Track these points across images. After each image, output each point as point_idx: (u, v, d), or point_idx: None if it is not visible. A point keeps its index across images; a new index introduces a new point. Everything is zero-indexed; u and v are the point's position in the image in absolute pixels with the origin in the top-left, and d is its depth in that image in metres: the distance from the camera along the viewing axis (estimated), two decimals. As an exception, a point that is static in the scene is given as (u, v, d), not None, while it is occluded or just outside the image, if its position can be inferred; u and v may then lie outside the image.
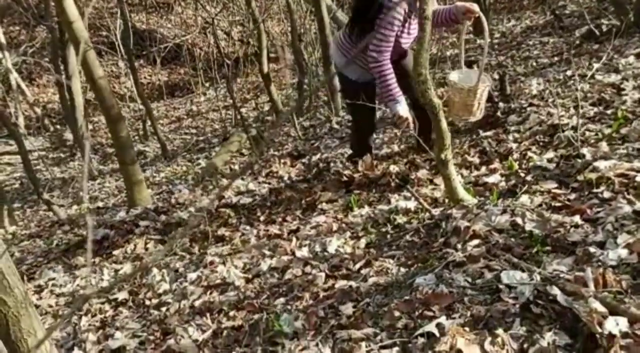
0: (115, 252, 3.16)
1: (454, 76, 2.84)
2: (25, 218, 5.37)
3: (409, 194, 2.64)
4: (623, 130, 2.39)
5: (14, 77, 7.44)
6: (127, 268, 2.90)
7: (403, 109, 2.73)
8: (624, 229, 1.55)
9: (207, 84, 9.66)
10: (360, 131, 3.28)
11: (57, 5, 3.63)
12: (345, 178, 3.18)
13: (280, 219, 2.99)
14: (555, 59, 4.67)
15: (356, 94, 2.91)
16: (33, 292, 2.89)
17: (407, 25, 2.70)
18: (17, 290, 1.07)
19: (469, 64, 5.14)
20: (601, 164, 2.05)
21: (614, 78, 3.16)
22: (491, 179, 2.44)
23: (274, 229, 2.83)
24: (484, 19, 2.62)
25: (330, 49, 3.18)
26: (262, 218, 3.14)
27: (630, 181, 1.89)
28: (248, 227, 3.02)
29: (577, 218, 1.73)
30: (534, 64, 4.86)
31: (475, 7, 2.67)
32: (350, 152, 3.52)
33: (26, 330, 1.16)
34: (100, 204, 5.05)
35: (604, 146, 2.29)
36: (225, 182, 4.36)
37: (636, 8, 4.80)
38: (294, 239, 2.59)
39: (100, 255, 3.21)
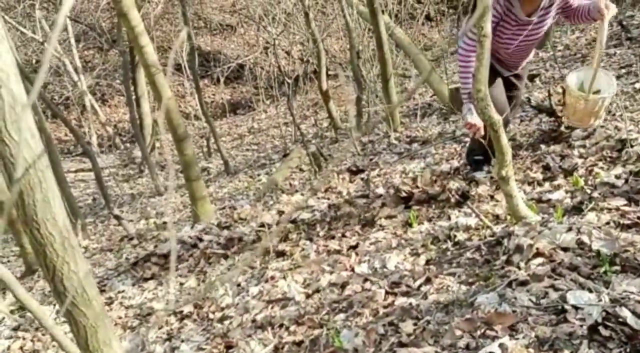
0: (180, 266, 3.28)
1: (571, 81, 2.65)
2: (97, 233, 5.64)
3: (469, 210, 2.61)
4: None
5: (88, 98, 7.89)
6: (191, 282, 3.01)
7: (473, 115, 2.56)
8: (698, 249, 1.48)
9: (268, 102, 9.90)
10: None
11: (129, 31, 3.85)
12: (404, 194, 3.18)
13: (339, 235, 3.02)
14: (623, 71, 4.50)
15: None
16: (104, 304, 3.04)
17: (505, 27, 2.57)
18: (95, 302, 1.15)
19: (532, 78, 5.03)
20: (674, 181, 1.96)
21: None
22: (555, 196, 2.37)
23: (333, 245, 2.86)
24: (607, 19, 2.41)
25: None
26: (321, 233, 3.18)
27: None
28: (308, 242, 3.07)
29: (648, 237, 1.67)
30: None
31: (609, 6, 2.43)
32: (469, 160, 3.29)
33: (102, 341, 1.24)
34: (167, 219, 5.25)
35: (677, 162, 2.19)
36: (285, 197, 4.44)
37: None
38: (354, 255, 2.61)
39: (166, 269, 3.34)
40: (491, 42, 2.60)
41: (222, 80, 8.98)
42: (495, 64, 2.74)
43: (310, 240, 3.11)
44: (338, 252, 2.79)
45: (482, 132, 2.60)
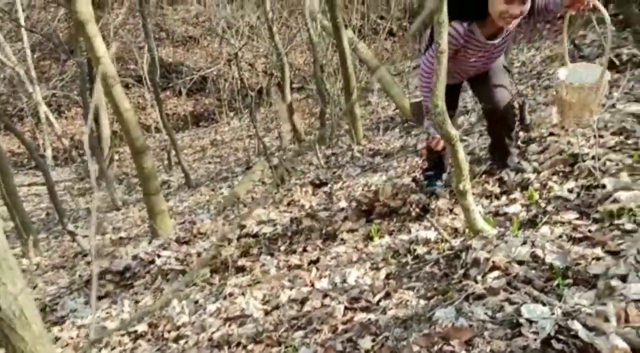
0: (136, 283, 3.19)
1: (563, 74, 2.61)
2: (50, 249, 5.46)
3: (429, 224, 2.63)
4: (647, 159, 2.36)
5: (43, 110, 7.67)
6: (147, 299, 2.93)
7: (431, 129, 2.50)
8: (646, 262, 1.52)
9: (231, 114, 9.83)
10: None
11: (87, 42, 3.77)
12: (365, 208, 3.18)
13: (300, 249, 3.00)
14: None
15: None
16: (54, 323, 2.93)
17: (469, 51, 2.57)
18: (34, 325, 1.09)
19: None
20: (622, 195, 2.01)
21: (634, 107, 3.12)
22: (511, 209, 2.41)
23: (294, 259, 2.83)
24: (601, 5, 2.34)
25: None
26: (282, 248, 3.15)
27: (653, 212, 1.86)
28: (269, 257, 3.03)
29: (598, 251, 1.70)
30: (554, 93, 4.82)
31: None
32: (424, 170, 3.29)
33: (44, 365, 1.17)
34: (123, 235, 5.12)
35: (624, 176, 2.25)
36: (246, 210, 4.39)
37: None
38: (314, 270, 2.59)
39: (122, 286, 3.24)
40: (456, 64, 2.65)
41: (184, 92, 8.88)
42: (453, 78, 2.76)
43: (272, 255, 3.08)
44: (299, 266, 2.76)
45: (440, 146, 2.60)
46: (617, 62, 4.50)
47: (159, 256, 3.53)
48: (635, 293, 1.39)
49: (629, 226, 1.83)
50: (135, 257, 3.57)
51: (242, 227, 3.84)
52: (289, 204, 4.12)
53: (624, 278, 1.49)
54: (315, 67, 6.34)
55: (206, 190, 6.41)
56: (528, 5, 2.32)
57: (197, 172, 7.73)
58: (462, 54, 2.57)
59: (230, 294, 2.58)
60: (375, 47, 9.48)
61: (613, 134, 2.82)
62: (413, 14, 10.87)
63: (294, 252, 2.99)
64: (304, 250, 2.97)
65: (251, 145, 8.11)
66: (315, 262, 2.72)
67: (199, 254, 3.48)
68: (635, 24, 5.03)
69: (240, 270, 3.00)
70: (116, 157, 8.47)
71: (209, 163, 8.21)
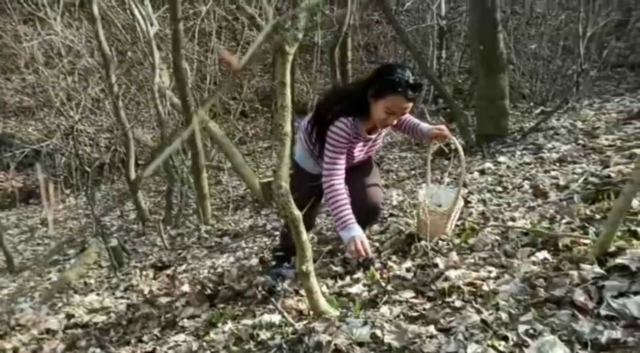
0: None
1: (422, 195, 2.85)
2: None
3: (274, 307, 2.57)
4: (471, 241, 2.57)
5: None
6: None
7: (350, 236, 2.41)
8: (473, 338, 1.60)
9: (67, 191, 9.11)
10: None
11: None
12: (209, 291, 3.04)
13: (134, 340, 2.75)
14: (412, 172, 5.05)
15: (303, 185, 2.71)
16: None
17: (355, 146, 2.67)
18: None
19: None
20: (452, 273, 2.15)
21: (462, 192, 3.44)
22: (354, 289, 2.45)
23: (126, 352, 2.57)
24: (456, 141, 2.70)
25: (297, 137, 3.00)
26: (115, 339, 2.86)
27: (478, 289, 1.99)
28: (98, 350, 2.73)
29: (432, 329, 1.77)
30: (394, 176, 5.20)
31: (445, 130, 2.73)
32: (274, 254, 3.24)
33: None
34: None
35: (454, 256, 2.43)
36: (77, 298, 3.96)
37: (476, 132, 5.43)
38: (149, 362, 2.37)
39: None
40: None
41: (12, 166, 8.08)
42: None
43: (102, 347, 2.78)
44: (132, 359, 2.51)
45: (366, 255, 2.43)
46: (447, 151, 5.01)
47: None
48: (465, 370, 1.45)
49: (458, 303, 1.94)
50: None
51: (70, 316, 3.46)
52: (126, 289, 3.82)
53: (454, 356, 1.55)
54: (163, 143, 6.18)
55: (32, 275, 5.73)
56: (405, 116, 2.63)
57: (22, 254, 6.92)
58: (349, 151, 2.66)
59: (48, 396, 2.25)
60: (227, 126, 9.58)
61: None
62: (265, 96, 11.27)
63: (128, 343, 2.73)
64: (139, 340, 2.72)
65: (89, 225, 7.52)
66: (150, 353, 2.50)
67: (15, 350, 3.02)
68: (459, 118, 5.70)
69: (64, 366, 2.65)
70: None
71: (38, 244, 7.41)
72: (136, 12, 5.41)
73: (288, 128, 2.02)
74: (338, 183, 2.48)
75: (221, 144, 6.58)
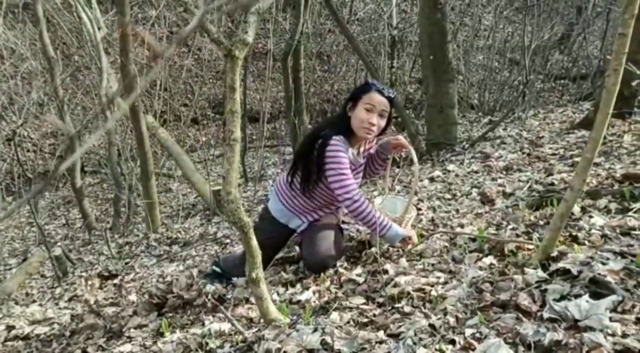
0: None
1: (378, 202, 2.93)
2: None
3: (223, 315, 2.52)
4: (420, 247, 2.60)
5: None
6: None
7: (401, 230, 2.64)
8: (421, 343, 1.61)
9: (9, 199, 8.73)
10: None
11: None
12: (157, 300, 2.96)
13: (79, 351, 2.64)
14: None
15: (273, 231, 2.92)
16: None
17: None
18: None
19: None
20: (402, 279, 2.17)
21: (413, 199, 3.49)
22: (304, 296, 2.44)
23: (69, 364, 2.47)
24: (413, 150, 2.80)
25: (270, 196, 3.05)
26: (57, 350, 2.75)
27: (427, 295, 2.01)
28: (38, 363, 2.61)
29: (381, 334, 1.77)
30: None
31: (403, 140, 2.84)
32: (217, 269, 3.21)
33: None
34: None
35: (403, 262, 2.45)
36: (18, 309, 3.79)
37: (426, 140, 5.54)
38: (92, 375, 2.28)
39: None
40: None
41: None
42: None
43: (42, 360, 2.66)
44: (75, 372, 2.41)
45: (415, 240, 2.64)
46: (397, 159, 5.07)
47: None
48: (413, 375, 1.45)
49: (407, 309, 1.95)
50: None
51: (11, 328, 3.30)
52: (70, 300, 3.68)
53: (403, 361, 1.56)
54: (110, 150, 6.02)
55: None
56: (383, 123, 2.70)
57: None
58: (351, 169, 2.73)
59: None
60: (178, 133, 9.42)
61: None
62: (217, 103, 11.15)
63: (71, 354, 2.62)
64: (84, 351, 2.62)
65: (32, 234, 7.23)
66: (95, 365, 2.41)
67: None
68: (410, 126, 5.79)
69: (1, 381, 2.52)
70: None
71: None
72: (83, 15, 5.26)
73: (238, 134, 2.00)
74: (358, 197, 2.59)
75: (171, 150, 6.47)
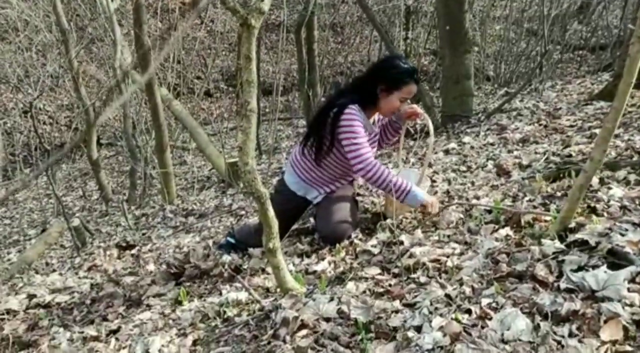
0: None
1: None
2: None
3: (240, 285, 2.56)
4: (435, 218, 2.60)
5: None
6: None
7: (423, 194, 2.62)
8: (437, 312, 1.63)
9: (27, 171, 8.85)
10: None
11: None
12: (175, 270, 3.01)
13: (99, 318, 2.70)
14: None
15: (288, 203, 2.93)
16: None
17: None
18: None
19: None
20: (417, 250, 2.18)
21: (428, 171, 3.48)
22: (320, 267, 2.46)
23: (90, 331, 2.52)
24: (428, 118, 2.82)
25: (285, 168, 3.07)
26: (78, 318, 2.81)
27: (442, 265, 2.02)
28: (61, 330, 2.66)
29: (397, 304, 1.79)
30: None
31: (418, 108, 2.84)
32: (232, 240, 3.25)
33: None
34: None
35: (419, 233, 2.46)
36: (39, 278, 3.87)
37: (442, 112, 5.48)
38: (113, 340, 2.33)
39: None
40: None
41: (-33, 144, 7.79)
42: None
43: (65, 326, 2.72)
44: (96, 338, 2.46)
45: (437, 208, 2.64)
46: (412, 131, 5.04)
47: None
48: (428, 343, 1.47)
49: (422, 279, 1.96)
50: None
51: (32, 296, 3.37)
52: (89, 269, 3.75)
53: (418, 329, 1.58)
54: (125, 123, 6.05)
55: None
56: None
57: (-20, 235, 6.72)
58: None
59: (8, 377, 2.20)
60: (191, 106, 9.42)
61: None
62: (230, 76, 11.11)
63: (92, 322, 2.68)
64: (104, 319, 2.68)
65: (50, 205, 7.33)
66: (115, 331, 2.45)
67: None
68: (425, 98, 5.74)
69: (25, 346, 2.59)
70: None
71: (-3, 224, 7.21)
72: (96, -15, 5.23)
73: (254, 104, 1.99)
74: (372, 166, 2.59)
75: (185, 123, 6.48)
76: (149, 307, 2.67)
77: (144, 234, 4.74)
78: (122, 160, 8.76)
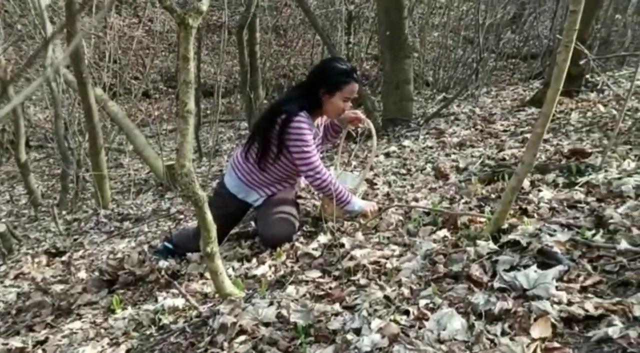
0: None
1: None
2: None
3: (177, 291, 2.48)
4: (374, 221, 2.62)
5: None
6: None
7: (361, 204, 2.72)
8: (376, 314, 1.63)
9: (-52, 173, 8.33)
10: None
11: None
12: (107, 277, 2.89)
13: (25, 329, 2.56)
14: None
15: (228, 206, 2.87)
16: None
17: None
18: None
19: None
20: (357, 252, 2.18)
21: (369, 174, 3.51)
22: (260, 271, 2.43)
23: (15, 342, 2.38)
24: (371, 123, 2.89)
25: (225, 171, 3.01)
26: (2, 329, 2.65)
27: (382, 267, 2.04)
28: (-18, 343, 2.50)
29: (337, 306, 1.78)
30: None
31: (360, 114, 2.89)
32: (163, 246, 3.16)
33: None
34: None
35: (359, 235, 2.47)
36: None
37: (382, 116, 5.56)
38: (40, 352, 2.21)
39: None
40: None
41: None
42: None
43: (-13, 338, 2.55)
44: (22, 350, 2.33)
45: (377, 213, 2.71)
46: (354, 134, 5.08)
47: None
48: (367, 345, 1.47)
49: (362, 281, 1.97)
50: None
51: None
52: (16, 277, 3.55)
53: (358, 332, 1.57)
54: (57, 124, 5.79)
55: None
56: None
57: None
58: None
59: None
60: (129, 107, 9.14)
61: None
62: (170, 77, 10.87)
63: (18, 333, 2.54)
64: (30, 329, 2.54)
65: (-26, 210, 6.91)
66: (42, 342, 2.33)
67: None
68: (366, 102, 5.80)
69: (-59, 362, 2.42)
70: None
71: None
72: (25, -21, 4.98)
73: (191, 105, 1.94)
74: (322, 174, 2.66)
75: (122, 124, 6.27)
76: (79, 316, 2.56)
77: (75, 240, 4.54)
78: (53, 162, 8.38)
